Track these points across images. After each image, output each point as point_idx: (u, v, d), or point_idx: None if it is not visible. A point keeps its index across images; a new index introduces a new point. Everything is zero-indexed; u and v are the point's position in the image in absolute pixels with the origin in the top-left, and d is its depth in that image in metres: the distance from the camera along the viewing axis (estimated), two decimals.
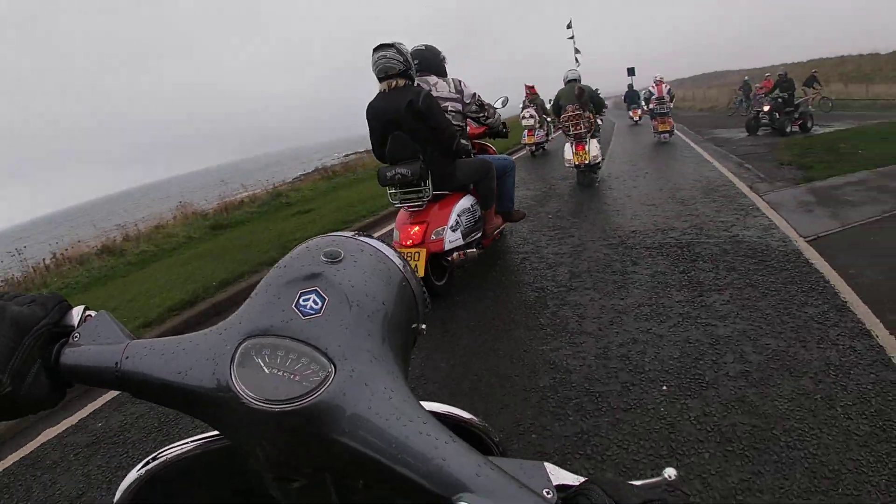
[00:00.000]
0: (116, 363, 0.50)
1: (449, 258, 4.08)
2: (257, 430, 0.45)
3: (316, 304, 0.51)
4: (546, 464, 0.45)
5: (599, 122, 9.71)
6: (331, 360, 0.47)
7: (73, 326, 0.54)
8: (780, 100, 14.68)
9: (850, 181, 7.10)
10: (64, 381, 0.52)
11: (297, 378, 0.45)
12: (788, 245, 4.59)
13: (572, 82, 9.22)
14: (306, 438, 0.44)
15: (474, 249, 4.26)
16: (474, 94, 4.55)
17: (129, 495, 0.58)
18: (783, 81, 15.29)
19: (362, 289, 0.54)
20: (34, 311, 0.52)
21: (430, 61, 4.43)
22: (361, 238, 0.62)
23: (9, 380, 0.48)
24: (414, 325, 0.60)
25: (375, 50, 3.85)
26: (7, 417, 0.50)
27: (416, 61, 4.11)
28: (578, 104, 8.66)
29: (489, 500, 0.39)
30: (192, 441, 0.60)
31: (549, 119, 14.31)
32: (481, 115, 4.63)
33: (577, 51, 28.34)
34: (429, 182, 4.00)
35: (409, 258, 3.65)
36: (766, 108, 14.63)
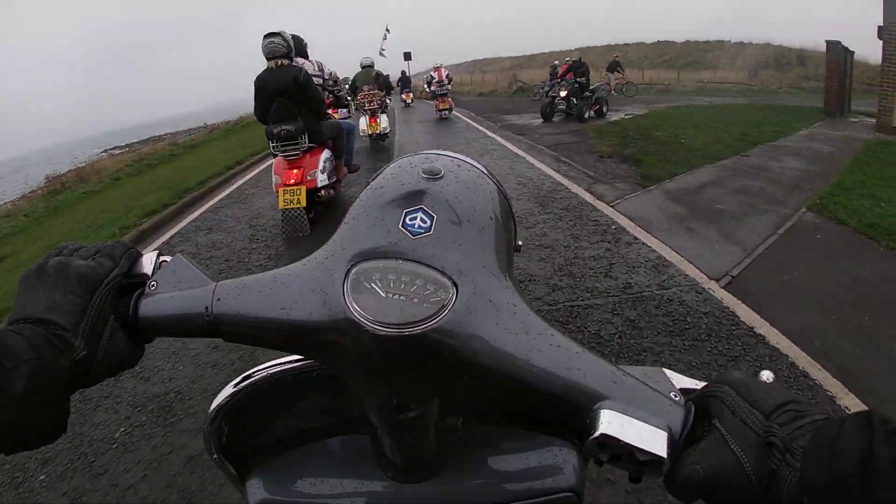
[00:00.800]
0: (207, 307, 0.47)
1: (320, 193, 5.51)
2: (382, 357, 0.43)
3: (424, 222, 0.48)
4: (664, 369, 0.46)
5: (388, 101, 12.01)
6: (450, 279, 0.44)
7: (146, 275, 0.51)
8: (577, 85, 14.00)
9: (704, 181, 6.41)
10: (143, 335, 0.50)
11: (417, 300, 0.43)
12: (708, 300, 3.51)
13: (368, 67, 11.11)
14: (436, 361, 0.43)
15: (332, 190, 5.81)
16: (331, 72, 6.57)
17: (223, 411, 0.56)
18: (578, 66, 14.61)
19: (469, 204, 0.51)
20: (101, 264, 0.49)
21: (299, 47, 5.87)
22: (453, 154, 0.61)
23: (83, 343, 0.44)
24: (514, 243, 0.60)
25: (266, 36, 5.16)
26: (85, 384, 0.46)
27: None
28: (374, 85, 10.69)
29: (628, 406, 0.41)
30: (287, 362, 0.57)
31: (349, 99, 13.12)
32: (335, 88, 6.94)
33: (382, 49, 30.24)
34: (305, 137, 5.30)
35: (291, 194, 5.22)
36: (564, 94, 13.88)
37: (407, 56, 29.20)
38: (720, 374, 0.42)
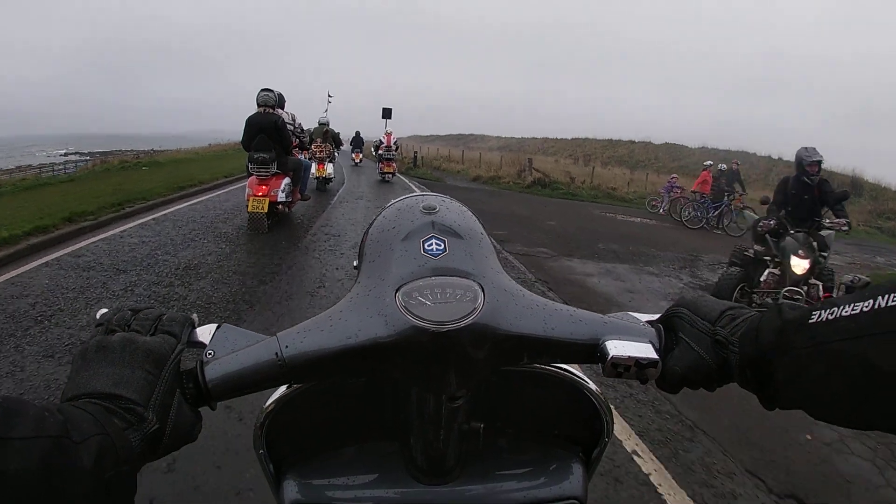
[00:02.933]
0: (277, 354, 0.53)
1: (278, 206, 7.74)
2: (445, 349, 0.52)
3: (439, 245, 0.60)
4: (628, 312, 0.63)
5: (336, 153, 15.13)
6: (475, 281, 0.57)
7: (202, 343, 0.56)
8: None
9: None
10: (209, 401, 0.53)
11: (457, 301, 0.54)
12: None
13: (322, 125, 14.55)
14: (486, 340, 0.53)
15: (287, 208, 8.26)
16: (300, 123, 9.65)
17: (272, 414, 0.63)
18: (806, 177, 5.71)
19: (464, 225, 0.65)
20: (167, 340, 0.52)
21: (281, 101, 8.33)
22: (432, 193, 0.75)
23: (154, 416, 0.46)
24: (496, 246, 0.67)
25: (262, 90, 7.70)
26: (151, 458, 0.47)
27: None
28: (323, 140, 14.03)
29: (621, 335, 0.56)
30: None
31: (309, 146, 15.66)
32: (301, 135, 9.54)
33: (326, 111, 31.11)
34: (274, 164, 7.58)
35: (258, 202, 7.36)
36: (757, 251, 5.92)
37: (386, 113, 26.29)
38: (675, 299, 0.60)
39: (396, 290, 0.55)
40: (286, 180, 7.89)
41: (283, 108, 8.61)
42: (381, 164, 17.80)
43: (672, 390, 0.56)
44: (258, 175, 7.50)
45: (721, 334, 0.52)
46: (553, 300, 0.60)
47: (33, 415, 0.37)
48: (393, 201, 0.74)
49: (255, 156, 7.44)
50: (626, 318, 0.61)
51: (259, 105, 7.69)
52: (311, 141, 13.51)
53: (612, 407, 0.69)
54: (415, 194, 0.74)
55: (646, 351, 0.55)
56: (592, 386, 0.67)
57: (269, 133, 7.54)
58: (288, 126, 8.15)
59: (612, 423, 0.68)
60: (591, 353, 0.56)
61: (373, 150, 21.29)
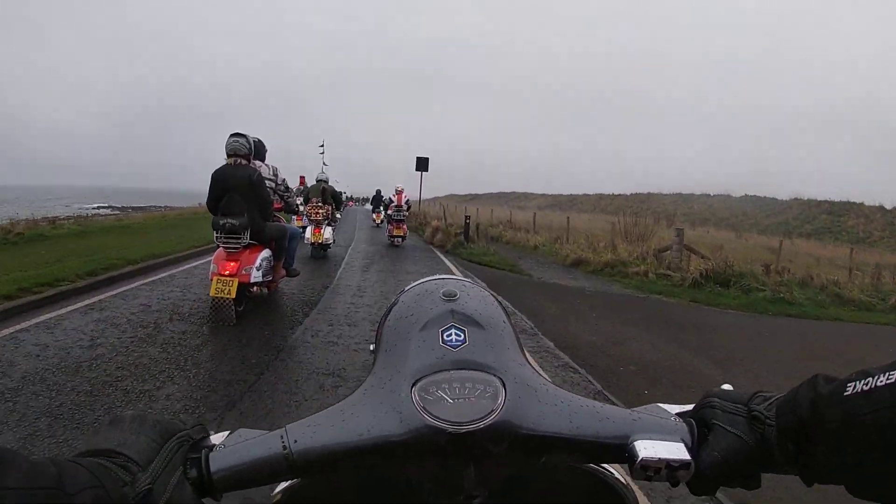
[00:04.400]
0: (285, 446, 0.50)
1: (252, 289, 5.89)
2: (461, 451, 0.50)
3: (458, 335, 0.58)
4: (658, 404, 0.57)
5: (338, 215, 13.42)
6: (496, 376, 0.54)
7: (214, 445, 0.52)
8: None
9: None
10: (213, 492, 0.50)
11: (476, 398, 0.51)
12: None
13: (321, 182, 12.64)
14: (507, 441, 0.50)
15: (265, 289, 6.31)
16: (284, 178, 7.00)
17: (286, 494, 0.60)
18: None
19: (486, 313, 0.63)
20: (175, 421, 0.52)
21: (259, 150, 6.54)
22: (454, 277, 0.74)
23: (149, 479, 0.44)
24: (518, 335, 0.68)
25: (231, 135, 5.77)
26: None
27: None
28: (321, 199, 11.95)
29: (652, 434, 0.51)
30: None
31: (299, 206, 13.83)
32: (286, 194, 7.15)
33: (324, 163, 31.58)
34: (247, 233, 5.67)
35: (224, 284, 5.47)
36: None
37: (421, 164, 21.81)
38: (704, 393, 0.55)
39: (413, 385, 0.53)
40: (263, 253, 5.96)
41: (262, 160, 6.71)
42: (390, 226, 15.91)
43: (708, 489, 0.51)
44: (226, 247, 5.65)
45: (757, 410, 0.50)
46: (578, 394, 0.56)
47: (25, 466, 0.37)
48: (412, 284, 0.72)
49: (222, 222, 5.57)
50: (656, 410, 0.56)
51: (228, 155, 5.76)
52: (307, 200, 11.93)
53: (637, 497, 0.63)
54: (434, 277, 0.73)
55: (677, 452, 0.50)
56: (618, 476, 0.62)
57: (242, 191, 5.68)
58: (268, 182, 6.29)
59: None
60: (618, 452, 0.52)
61: (382, 209, 20.36)
